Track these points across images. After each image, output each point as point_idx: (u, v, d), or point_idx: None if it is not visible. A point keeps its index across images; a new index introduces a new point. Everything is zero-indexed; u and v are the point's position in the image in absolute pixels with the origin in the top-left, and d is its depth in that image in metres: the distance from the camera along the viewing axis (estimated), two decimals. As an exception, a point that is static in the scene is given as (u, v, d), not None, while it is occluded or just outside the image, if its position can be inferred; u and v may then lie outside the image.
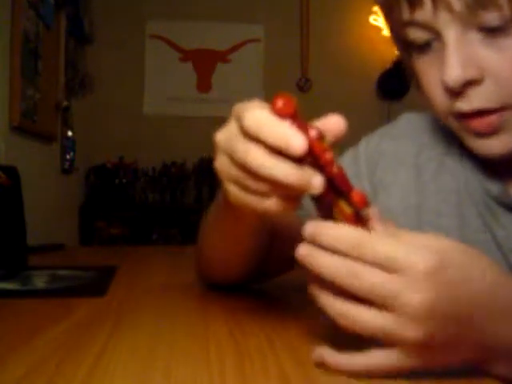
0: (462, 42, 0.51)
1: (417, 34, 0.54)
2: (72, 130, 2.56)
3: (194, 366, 0.45)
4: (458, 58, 0.51)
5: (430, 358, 0.40)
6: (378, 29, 3.52)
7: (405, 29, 0.55)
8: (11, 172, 1.01)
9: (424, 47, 0.54)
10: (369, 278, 0.38)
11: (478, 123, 0.53)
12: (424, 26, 0.53)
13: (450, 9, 0.50)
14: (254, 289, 0.77)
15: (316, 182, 0.41)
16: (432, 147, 0.67)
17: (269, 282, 0.80)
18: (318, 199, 0.43)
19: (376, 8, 3.49)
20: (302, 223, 0.74)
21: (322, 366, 0.43)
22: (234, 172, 0.44)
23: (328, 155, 0.41)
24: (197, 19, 3.41)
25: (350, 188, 0.42)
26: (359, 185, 0.72)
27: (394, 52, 3.49)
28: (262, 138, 0.41)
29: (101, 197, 3.12)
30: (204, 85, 3.46)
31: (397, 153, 0.69)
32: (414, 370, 0.40)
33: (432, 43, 0.54)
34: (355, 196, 0.42)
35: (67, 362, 0.45)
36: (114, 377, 0.42)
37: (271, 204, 0.43)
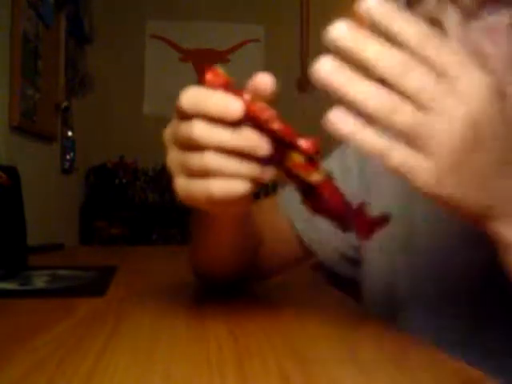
0: (463, 30, 0.50)
1: None
2: (72, 130, 2.56)
3: (194, 366, 0.45)
4: (460, 45, 0.49)
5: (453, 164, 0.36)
6: (378, 29, 3.52)
7: None
8: (11, 172, 1.01)
9: None
10: (420, 75, 0.35)
11: None
12: (423, 15, 0.52)
13: (457, 3, 0.49)
14: (254, 289, 0.77)
15: (261, 141, 0.40)
16: None
17: (268, 282, 0.80)
18: (271, 161, 0.42)
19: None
20: (289, 223, 0.75)
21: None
22: (181, 157, 0.45)
23: (266, 112, 0.41)
24: (197, 19, 3.41)
25: (295, 137, 0.42)
26: (349, 179, 0.71)
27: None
28: (200, 111, 0.42)
29: (101, 197, 3.12)
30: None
31: None
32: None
33: None
34: (303, 143, 0.41)
35: (67, 361, 0.45)
36: (114, 377, 0.42)
37: (218, 185, 0.42)
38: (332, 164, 0.71)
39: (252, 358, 0.47)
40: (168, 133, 0.47)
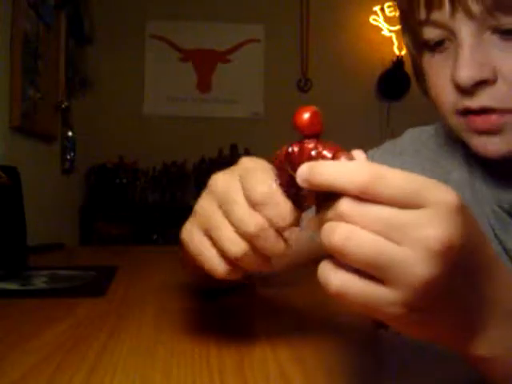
0: (476, 42, 0.51)
1: (432, 33, 0.54)
2: (72, 130, 2.56)
3: (194, 365, 0.45)
4: (472, 57, 0.51)
5: (428, 308, 0.33)
6: (378, 29, 3.52)
7: (420, 28, 0.55)
8: (11, 172, 1.01)
9: (437, 46, 0.55)
10: (381, 212, 0.32)
11: (482, 121, 0.53)
12: (440, 26, 0.53)
13: (468, 11, 0.50)
14: (254, 289, 0.77)
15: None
16: (436, 163, 0.67)
17: (267, 283, 0.80)
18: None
19: (376, 8, 3.49)
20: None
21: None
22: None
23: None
24: (197, 19, 3.41)
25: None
26: None
27: (393, 52, 3.49)
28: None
29: (101, 197, 3.12)
30: (204, 85, 3.46)
31: (402, 168, 0.67)
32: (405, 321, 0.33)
33: (446, 42, 0.54)
34: None
35: (67, 361, 0.46)
36: (114, 377, 0.42)
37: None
38: None
39: (252, 358, 0.47)
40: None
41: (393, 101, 3.45)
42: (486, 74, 0.51)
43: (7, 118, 1.76)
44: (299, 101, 3.46)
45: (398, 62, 3.43)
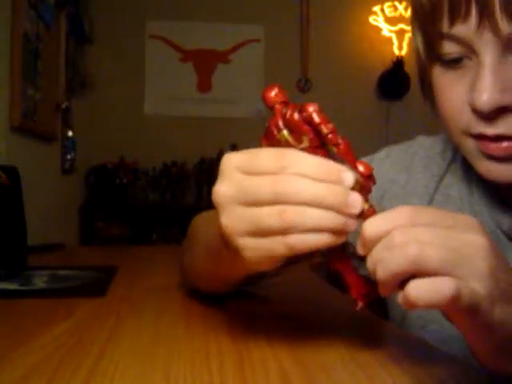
0: (500, 65, 0.48)
1: (451, 49, 0.51)
2: (72, 130, 2.57)
3: (194, 366, 0.45)
4: (494, 80, 0.48)
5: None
6: (378, 29, 3.52)
7: (439, 41, 0.52)
8: (11, 172, 1.01)
9: (453, 63, 0.52)
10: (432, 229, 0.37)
11: (496, 147, 0.50)
12: (460, 42, 0.50)
13: (495, 28, 0.47)
14: (254, 289, 0.77)
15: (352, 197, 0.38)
16: (440, 178, 0.66)
17: (267, 283, 0.80)
18: None
19: (376, 8, 3.49)
20: None
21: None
22: (253, 217, 0.39)
23: (330, 125, 0.40)
24: (197, 19, 3.41)
25: (354, 158, 0.40)
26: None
27: (393, 52, 3.49)
28: (291, 171, 0.38)
29: (101, 197, 3.12)
30: (204, 85, 3.46)
31: (408, 184, 0.67)
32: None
33: (464, 60, 0.51)
34: (362, 165, 0.40)
35: (67, 362, 0.46)
36: (114, 377, 0.42)
37: (299, 241, 0.38)
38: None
39: (252, 358, 0.47)
40: (227, 190, 0.40)
41: (393, 101, 3.45)
42: (507, 100, 0.48)
43: (7, 118, 1.76)
44: (299, 101, 3.44)
45: (398, 62, 3.43)
